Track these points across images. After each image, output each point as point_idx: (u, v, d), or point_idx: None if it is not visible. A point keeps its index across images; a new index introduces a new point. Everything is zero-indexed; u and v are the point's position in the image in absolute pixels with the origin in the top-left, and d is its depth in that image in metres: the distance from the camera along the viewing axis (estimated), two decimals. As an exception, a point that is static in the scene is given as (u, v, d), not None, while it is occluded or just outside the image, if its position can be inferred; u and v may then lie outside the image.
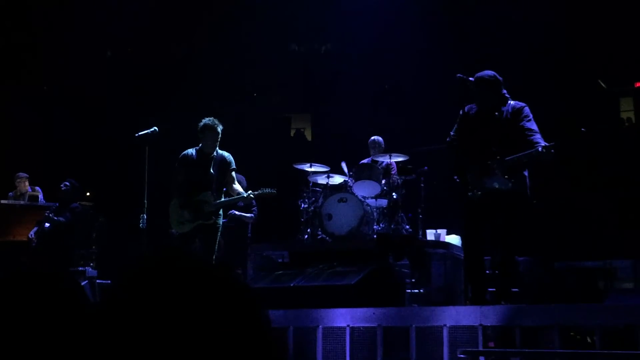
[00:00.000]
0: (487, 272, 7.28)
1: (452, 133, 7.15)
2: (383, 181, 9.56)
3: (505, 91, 7.00)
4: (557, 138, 6.68)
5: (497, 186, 6.74)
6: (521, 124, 6.78)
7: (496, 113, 6.91)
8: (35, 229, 10.79)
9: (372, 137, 10.42)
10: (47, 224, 10.74)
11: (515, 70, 10.37)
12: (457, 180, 7.06)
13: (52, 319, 1.52)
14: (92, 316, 1.41)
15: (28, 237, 10.75)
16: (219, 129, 8.12)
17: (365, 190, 9.49)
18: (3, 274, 1.58)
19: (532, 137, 6.68)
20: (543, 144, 6.54)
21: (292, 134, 17.22)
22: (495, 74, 7.01)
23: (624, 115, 14.57)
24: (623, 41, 12.66)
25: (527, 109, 6.87)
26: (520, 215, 6.92)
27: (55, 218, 10.75)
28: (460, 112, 7.09)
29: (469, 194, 6.87)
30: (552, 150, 6.52)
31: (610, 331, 5.90)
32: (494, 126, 6.88)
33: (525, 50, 12.71)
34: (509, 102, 6.94)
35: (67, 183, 11.01)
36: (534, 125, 6.78)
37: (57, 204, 11.05)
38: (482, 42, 12.73)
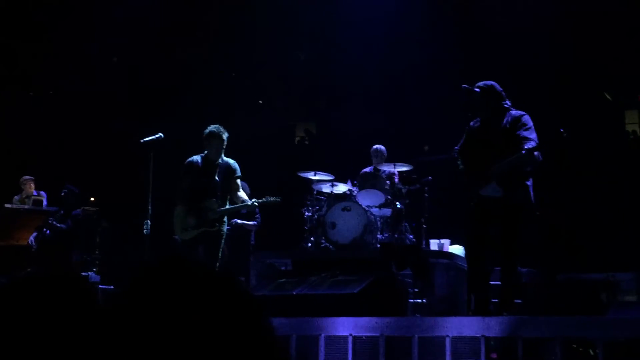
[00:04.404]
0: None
1: (456, 147, 7.18)
2: (387, 190, 9.56)
3: (508, 102, 7.00)
4: (540, 141, 6.68)
5: (491, 194, 6.75)
6: (518, 132, 6.77)
7: (496, 123, 6.91)
8: (34, 234, 10.76)
9: (375, 146, 10.41)
10: (46, 230, 10.72)
11: (519, 80, 10.37)
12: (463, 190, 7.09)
13: (67, 320, 1.53)
14: (97, 321, 1.42)
15: (28, 242, 10.73)
16: (225, 136, 8.13)
17: (369, 199, 9.49)
18: (11, 279, 1.59)
19: (524, 145, 6.67)
20: (526, 147, 6.56)
21: (296, 142, 17.23)
22: (494, 83, 7.02)
23: (629, 128, 14.54)
24: (629, 53, 12.64)
25: (525, 118, 6.85)
26: (520, 226, 6.90)
27: (58, 225, 10.74)
28: (467, 126, 7.12)
29: (471, 203, 6.89)
30: (536, 153, 6.55)
31: (613, 344, 5.89)
32: (493, 136, 6.88)
33: (530, 61, 12.69)
34: (510, 111, 6.94)
35: (66, 190, 11.01)
36: (531, 134, 6.75)
37: (58, 209, 11.04)
38: (486, 51, 12.72)
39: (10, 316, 1.52)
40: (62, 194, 11.02)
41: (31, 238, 10.72)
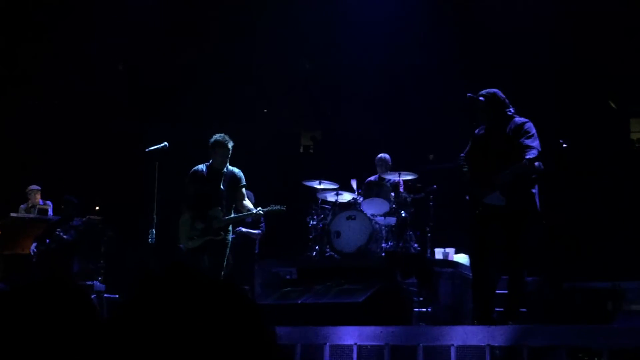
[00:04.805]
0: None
1: (462, 155, 7.19)
2: (392, 199, 9.56)
3: (512, 109, 7.01)
4: (542, 152, 6.70)
5: (494, 202, 6.75)
6: (520, 140, 6.77)
7: (499, 130, 6.92)
8: (35, 244, 10.74)
9: (379, 155, 10.41)
10: (48, 240, 10.72)
11: (522, 88, 10.35)
12: (467, 199, 7.08)
13: (63, 328, 1.53)
14: (103, 330, 1.42)
15: (30, 252, 10.73)
16: (230, 145, 8.14)
17: (374, 207, 9.49)
18: (10, 287, 1.60)
19: (525, 153, 6.67)
20: (527, 157, 6.57)
21: (301, 150, 17.23)
22: (497, 91, 7.03)
23: (634, 137, 14.51)
24: (634, 60, 12.61)
25: (528, 125, 6.85)
26: (525, 234, 6.88)
27: (65, 237, 10.74)
28: (472, 134, 7.14)
29: (476, 211, 6.88)
30: (536, 163, 6.57)
31: (619, 353, 5.87)
32: (496, 144, 6.89)
33: (533, 68, 12.68)
34: (514, 119, 6.95)
35: (65, 201, 11.02)
36: (533, 142, 6.74)
37: (60, 219, 11.05)
38: (489, 59, 12.71)
39: (4, 322, 1.53)
40: (63, 206, 11.04)
41: (33, 248, 10.70)
